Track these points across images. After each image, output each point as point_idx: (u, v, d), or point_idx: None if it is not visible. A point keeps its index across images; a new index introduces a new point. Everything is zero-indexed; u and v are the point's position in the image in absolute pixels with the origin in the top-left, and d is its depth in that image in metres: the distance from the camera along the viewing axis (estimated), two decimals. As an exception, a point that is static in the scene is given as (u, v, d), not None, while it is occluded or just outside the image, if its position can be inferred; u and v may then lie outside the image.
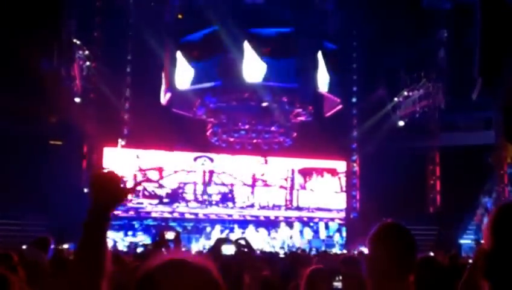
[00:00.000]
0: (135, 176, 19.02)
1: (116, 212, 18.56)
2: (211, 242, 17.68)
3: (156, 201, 18.94)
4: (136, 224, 18.56)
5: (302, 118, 19.28)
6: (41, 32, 15.22)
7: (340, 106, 20.18)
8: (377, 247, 1.94)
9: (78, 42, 17.70)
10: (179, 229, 18.17)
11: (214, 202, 19.40)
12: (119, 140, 19.84)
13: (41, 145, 17.97)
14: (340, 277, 2.48)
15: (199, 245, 17.71)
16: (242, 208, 19.66)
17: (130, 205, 18.65)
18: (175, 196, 19.10)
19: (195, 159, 19.45)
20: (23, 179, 16.56)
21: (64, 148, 18.93)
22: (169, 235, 10.09)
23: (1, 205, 15.44)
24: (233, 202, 19.65)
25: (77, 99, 18.29)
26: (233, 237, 12.30)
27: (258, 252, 11.58)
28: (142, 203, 18.81)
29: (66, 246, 11.55)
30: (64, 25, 16.95)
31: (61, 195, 16.70)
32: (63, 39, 16.85)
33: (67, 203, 16.47)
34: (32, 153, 17.26)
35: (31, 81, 16.07)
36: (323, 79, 18.61)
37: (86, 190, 18.85)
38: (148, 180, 18.81)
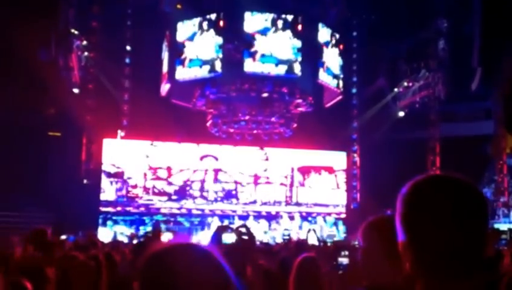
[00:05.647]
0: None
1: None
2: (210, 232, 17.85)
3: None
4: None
5: (302, 109, 19.19)
6: (39, 22, 15.05)
7: (340, 97, 20.10)
8: (369, 239, 1.92)
9: (76, 32, 17.53)
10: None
11: (219, 199, 19.96)
12: (119, 131, 19.78)
13: (39, 136, 17.89)
14: (346, 252, 2.42)
15: (200, 236, 17.90)
16: (245, 204, 20.17)
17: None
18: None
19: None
20: (21, 171, 16.50)
21: (63, 140, 18.87)
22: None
23: (0, 197, 15.39)
24: (237, 199, 20.14)
25: (75, 90, 18.15)
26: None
27: (258, 243, 11.57)
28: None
29: (64, 237, 11.49)
30: (61, 14, 16.76)
31: (60, 186, 16.68)
32: (61, 29, 16.67)
33: (66, 195, 16.47)
34: (31, 145, 17.19)
35: (28, 71, 15.93)
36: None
37: (85, 181, 18.84)
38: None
